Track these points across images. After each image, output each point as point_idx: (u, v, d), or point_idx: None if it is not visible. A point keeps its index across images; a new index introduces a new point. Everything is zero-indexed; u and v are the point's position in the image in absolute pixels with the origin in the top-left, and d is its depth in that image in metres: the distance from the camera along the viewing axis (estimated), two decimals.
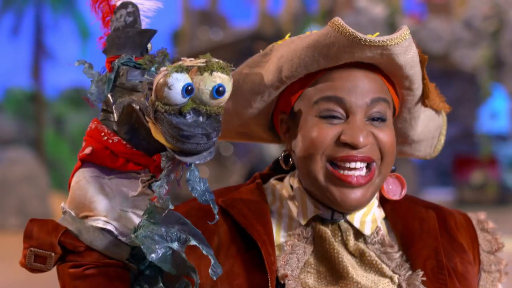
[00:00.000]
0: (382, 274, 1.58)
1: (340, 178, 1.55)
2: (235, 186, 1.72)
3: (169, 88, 1.22)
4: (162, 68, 1.25)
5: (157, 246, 1.30)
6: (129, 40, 1.40)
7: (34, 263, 1.35)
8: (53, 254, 1.35)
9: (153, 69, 1.31)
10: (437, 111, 1.72)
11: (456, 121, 18.99)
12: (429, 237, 1.63)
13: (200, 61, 1.25)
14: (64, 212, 1.38)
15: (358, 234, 1.62)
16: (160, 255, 1.31)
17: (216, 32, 19.26)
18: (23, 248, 1.36)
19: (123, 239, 1.36)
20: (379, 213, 1.67)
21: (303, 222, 1.61)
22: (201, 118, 1.25)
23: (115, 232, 1.36)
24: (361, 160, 1.55)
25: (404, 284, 1.56)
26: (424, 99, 1.66)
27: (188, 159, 1.25)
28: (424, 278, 1.57)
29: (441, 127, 1.75)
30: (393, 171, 1.65)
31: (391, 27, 15.70)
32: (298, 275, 1.57)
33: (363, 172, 1.56)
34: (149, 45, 1.43)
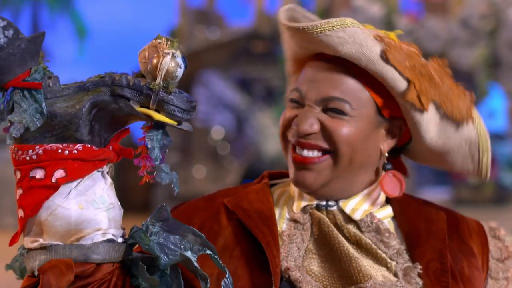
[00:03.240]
0: (379, 260, 1.59)
1: (293, 158, 1.63)
2: (242, 186, 1.75)
3: (180, 67, 1.31)
4: (159, 48, 1.30)
5: (170, 253, 1.32)
6: (25, 51, 1.31)
7: None
8: None
9: (148, 82, 1.33)
10: (459, 121, 1.65)
11: None
12: (436, 239, 1.63)
13: (166, 44, 1.33)
14: (49, 247, 1.31)
15: (352, 222, 1.64)
16: (171, 262, 1.32)
17: (213, 31, 19.25)
18: None
19: (118, 240, 1.35)
20: (380, 203, 1.68)
21: (296, 210, 1.64)
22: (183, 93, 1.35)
23: (114, 238, 1.34)
24: (308, 148, 1.60)
25: (400, 274, 1.57)
26: (409, 101, 1.60)
27: (186, 126, 1.35)
28: (420, 271, 1.58)
29: (476, 142, 1.67)
30: (388, 169, 1.66)
31: (388, 26, 15.71)
32: (302, 263, 1.58)
33: (312, 154, 1.61)
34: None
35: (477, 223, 1.75)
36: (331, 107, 1.60)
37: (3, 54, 1.30)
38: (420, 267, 1.58)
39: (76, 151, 1.31)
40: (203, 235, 1.34)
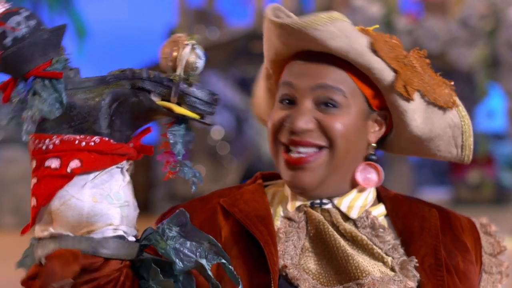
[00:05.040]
0: (375, 256, 1.60)
1: (286, 160, 1.61)
2: (236, 186, 1.74)
3: (201, 58, 1.30)
4: (180, 37, 1.31)
5: (185, 259, 1.32)
6: (47, 42, 1.33)
7: None
8: (72, 280, 1.30)
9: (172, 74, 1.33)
10: (442, 107, 1.68)
11: None
12: (429, 236, 1.64)
13: (185, 37, 1.32)
14: (58, 237, 1.31)
15: (348, 219, 1.64)
16: (186, 268, 1.32)
17: (213, 31, 19.25)
18: (43, 285, 1.30)
19: (129, 238, 1.34)
20: (372, 199, 1.68)
21: (290, 209, 1.64)
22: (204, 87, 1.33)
23: (125, 235, 1.34)
24: (303, 145, 1.60)
25: (397, 268, 1.58)
26: (399, 91, 1.62)
27: (209, 120, 1.34)
28: (417, 264, 1.59)
29: (460, 125, 1.70)
30: (374, 160, 1.66)
31: (388, 26, 15.70)
32: (298, 261, 1.58)
33: (307, 150, 1.60)
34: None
35: (468, 220, 1.76)
36: (324, 99, 1.60)
37: (25, 43, 1.30)
38: (416, 260, 1.59)
39: (93, 143, 1.31)
40: (219, 244, 1.34)
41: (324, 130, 1.60)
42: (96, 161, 1.31)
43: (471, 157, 1.73)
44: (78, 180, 1.31)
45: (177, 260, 1.31)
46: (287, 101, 1.64)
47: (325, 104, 1.60)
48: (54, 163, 1.31)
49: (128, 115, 1.34)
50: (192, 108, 1.31)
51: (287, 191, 1.68)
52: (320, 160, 1.60)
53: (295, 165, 1.60)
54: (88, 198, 1.31)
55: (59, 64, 1.32)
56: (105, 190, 1.32)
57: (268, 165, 18.31)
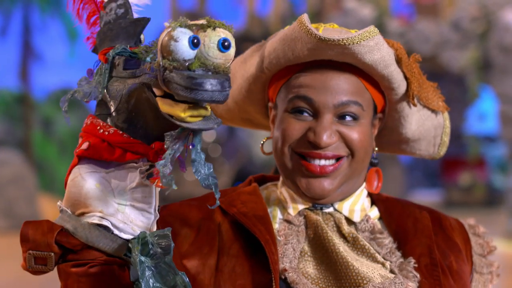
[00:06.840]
0: (374, 259, 1.60)
1: (306, 167, 1.60)
2: (231, 189, 1.74)
3: (175, 40, 1.21)
4: (165, 23, 1.24)
5: (151, 281, 1.29)
6: (122, 31, 1.37)
7: (35, 265, 1.34)
8: (52, 254, 1.33)
9: (148, 59, 1.27)
10: (434, 111, 1.73)
11: None
12: (423, 236, 1.66)
13: (201, 21, 1.26)
14: (61, 211, 1.36)
15: (349, 222, 1.66)
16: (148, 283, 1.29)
17: None
18: (22, 252, 1.34)
19: (120, 234, 1.34)
20: (368, 203, 1.71)
21: (293, 213, 1.65)
22: (210, 73, 1.22)
23: (111, 228, 1.34)
24: (325, 158, 1.60)
25: (396, 270, 1.59)
26: (409, 99, 1.67)
27: (195, 125, 1.23)
28: (416, 265, 1.60)
29: (443, 127, 1.76)
30: (375, 164, 1.70)
31: (380, 28, 15.72)
32: (297, 265, 1.59)
33: (329, 162, 1.61)
34: (142, 36, 1.40)
35: (457, 221, 1.78)
36: (346, 113, 1.61)
37: (105, 28, 1.39)
38: (413, 261, 1.61)
39: (107, 133, 1.33)
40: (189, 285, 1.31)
41: (345, 141, 1.62)
42: (104, 150, 1.34)
43: (442, 153, 1.80)
44: (95, 165, 1.35)
45: (146, 279, 1.29)
46: (300, 113, 1.62)
47: (344, 117, 1.61)
48: (80, 141, 1.37)
49: (151, 114, 1.30)
50: (177, 96, 1.21)
51: (285, 194, 1.68)
52: (340, 168, 1.62)
53: (319, 174, 1.61)
54: (92, 181, 1.33)
55: (115, 51, 1.34)
56: (112, 184, 1.34)
57: (259, 167, 18.31)
